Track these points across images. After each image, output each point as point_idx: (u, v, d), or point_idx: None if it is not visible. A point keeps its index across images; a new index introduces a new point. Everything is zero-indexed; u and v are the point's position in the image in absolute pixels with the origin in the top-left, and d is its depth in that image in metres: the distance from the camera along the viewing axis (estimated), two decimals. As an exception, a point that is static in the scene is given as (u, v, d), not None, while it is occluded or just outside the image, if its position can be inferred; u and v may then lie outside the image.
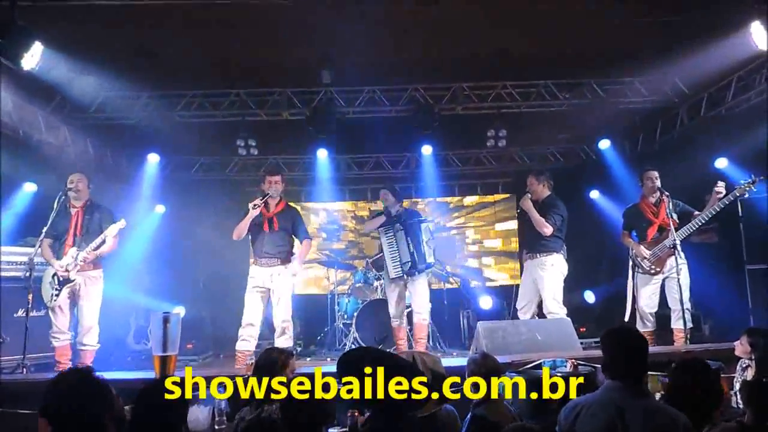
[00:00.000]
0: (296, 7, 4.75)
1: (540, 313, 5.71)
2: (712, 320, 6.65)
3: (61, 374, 2.31)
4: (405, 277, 5.83)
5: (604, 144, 8.39)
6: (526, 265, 5.88)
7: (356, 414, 3.06)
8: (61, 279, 5.02)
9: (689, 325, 5.21)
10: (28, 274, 5.00)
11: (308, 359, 7.10)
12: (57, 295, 5.01)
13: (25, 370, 4.78)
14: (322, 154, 8.74)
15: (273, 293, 5.33)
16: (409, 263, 5.76)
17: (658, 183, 5.50)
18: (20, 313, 5.36)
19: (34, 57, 4.62)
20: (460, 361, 4.72)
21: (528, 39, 6.14)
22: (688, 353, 4.47)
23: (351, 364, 2.53)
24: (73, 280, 5.04)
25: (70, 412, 2.10)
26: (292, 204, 5.80)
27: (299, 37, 6.11)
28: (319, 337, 7.89)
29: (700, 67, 6.09)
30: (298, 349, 7.19)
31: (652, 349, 5.22)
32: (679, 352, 4.72)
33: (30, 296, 4.88)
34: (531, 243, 5.78)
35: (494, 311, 8.19)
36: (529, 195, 5.71)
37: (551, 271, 5.58)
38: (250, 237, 5.47)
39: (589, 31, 5.82)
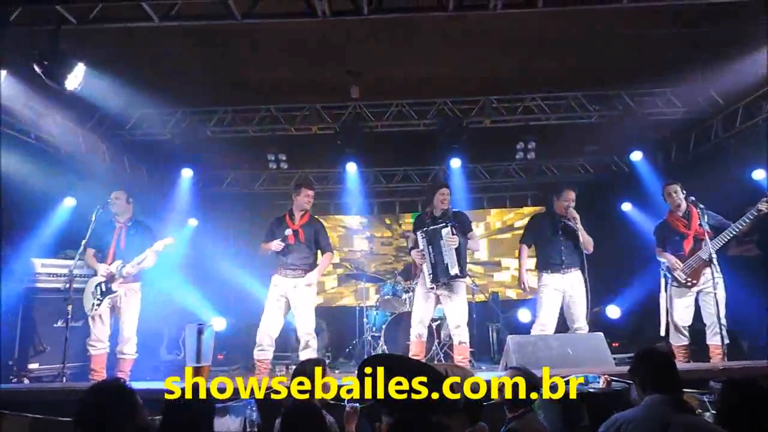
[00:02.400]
0: (325, 24, 4.83)
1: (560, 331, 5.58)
2: (750, 337, 6.46)
3: (92, 387, 2.46)
4: (434, 288, 5.35)
5: (636, 156, 8.27)
6: (550, 281, 5.51)
7: (378, 426, 3.07)
8: (104, 290, 5.22)
9: (726, 341, 5.08)
10: (67, 285, 5.16)
11: (337, 371, 7.12)
12: (98, 305, 5.20)
13: (64, 378, 4.92)
14: (351, 168, 8.83)
15: (293, 304, 5.37)
16: (431, 275, 5.30)
17: (681, 196, 5.37)
18: (60, 323, 5.54)
19: (77, 78, 4.81)
20: (488, 375, 4.70)
21: (557, 51, 6.12)
22: (726, 370, 4.35)
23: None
24: (115, 292, 5.24)
25: (95, 422, 2.28)
26: (316, 217, 5.81)
27: (328, 54, 6.22)
28: (347, 350, 7.93)
29: (735, 77, 5.99)
30: (326, 361, 7.21)
31: (687, 365, 5.17)
32: (717, 369, 4.58)
33: (70, 307, 5.04)
34: (567, 258, 5.51)
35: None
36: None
37: (583, 287, 5.48)
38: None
39: (620, 43, 5.77)
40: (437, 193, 5.46)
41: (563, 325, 5.59)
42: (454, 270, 5.18)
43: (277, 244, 5.33)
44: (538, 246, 5.73)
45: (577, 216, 5.51)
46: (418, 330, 5.47)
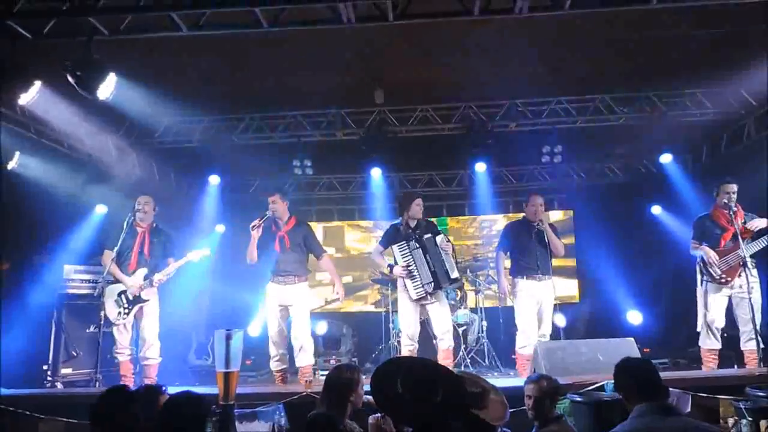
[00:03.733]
0: (349, 29, 4.85)
1: None
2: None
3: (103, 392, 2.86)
4: (427, 297, 5.32)
5: (666, 158, 8.12)
6: (526, 287, 5.52)
7: None
8: (131, 297, 5.21)
9: (761, 346, 4.94)
10: (100, 291, 5.21)
11: (363, 377, 7.11)
12: (127, 314, 5.19)
13: (97, 383, 5.01)
14: (376, 173, 8.83)
15: (291, 310, 5.35)
16: (432, 283, 5.26)
17: (735, 197, 5.21)
18: (92, 328, 5.65)
19: (108, 87, 4.91)
20: (515, 381, 4.66)
21: (584, 54, 6.06)
22: (763, 377, 4.23)
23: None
24: (147, 300, 5.25)
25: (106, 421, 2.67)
26: (303, 221, 5.70)
27: (353, 59, 6.25)
28: (373, 355, 7.92)
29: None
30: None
31: (722, 371, 5.05)
32: (753, 375, 4.48)
33: (102, 313, 5.11)
34: (542, 264, 5.50)
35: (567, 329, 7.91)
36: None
37: (553, 294, 5.56)
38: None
39: (649, 45, 5.69)
40: (413, 203, 5.47)
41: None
42: (455, 274, 5.27)
43: (252, 231, 5.24)
44: (513, 252, 5.76)
45: (544, 219, 5.54)
46: (409, 347, 5.41)
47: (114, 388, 2.97)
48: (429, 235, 5.34)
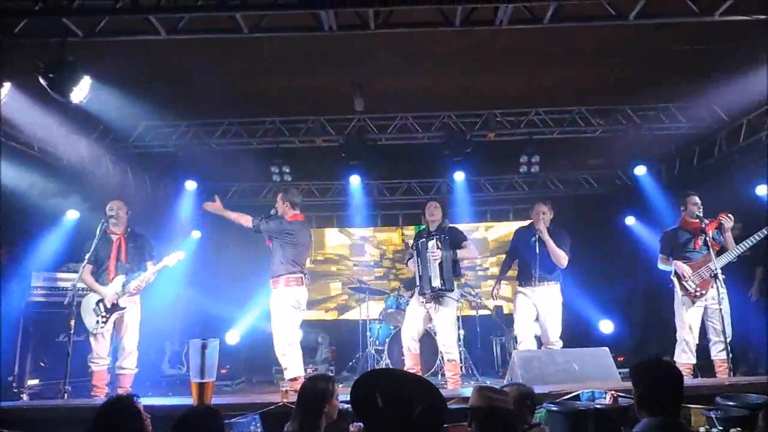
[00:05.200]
0: (330, 37, 4.83)
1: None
2: (754, 352, 6.41)
3: (104, 404, 2.66)
4: (425, 302, 5.40)
5: (640, 170, 8.26)
6: (521, 293, 5.61)
7: None
8: (108, 306, 5.11)
9: (731, 356, 5.04)
10: (70, 299, 5.08)
11: (340, 386, 7.03)
12: (105, 322, 5.08)
13: (65, 395, 4.84)
14: (355, 180, 8.81)
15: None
16: (419, 287, 5.45)
17: (700, 211, 5.34)
18: (61, 338, 5.49)
19: (82, 90, 4.78)
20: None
21: (562, 66, 6.14)
22: (733, 386, 4.30)
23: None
24: (124, 308, 5.14)
25: None
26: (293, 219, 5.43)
27: (333, 66, 6.23)
28: (350, 363, 7.87)
29: (739, 93, 6.00)
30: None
31: (693, 381, 5.13)
32: (723, 384, 4.55)
33: (72, 322, 4.94)
34: (537, 272, 5.50)
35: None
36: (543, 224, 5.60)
37: (558, 301, 5.58)
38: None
39: (625, 59, 5.79)
40: (425, 208, 5.68)
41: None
42: (436, 282, 5.28)
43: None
44: (518, 259, 5.87)
45: (543, 228, 5.55)
46: (407, 343, 5.50)
47: (117, 399, 2.84)
48: (424, 239, 5.45)
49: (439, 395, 2.36)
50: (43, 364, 5.54)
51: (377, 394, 2.29)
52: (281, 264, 5.09)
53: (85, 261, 5.07)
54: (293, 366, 4.95)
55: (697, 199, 5.40)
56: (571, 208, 9.23)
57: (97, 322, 5.08)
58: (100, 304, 5.12)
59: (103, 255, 5.20)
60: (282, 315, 5.02)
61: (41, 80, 4.65)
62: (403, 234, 10.10)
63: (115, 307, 5.12)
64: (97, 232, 5.10)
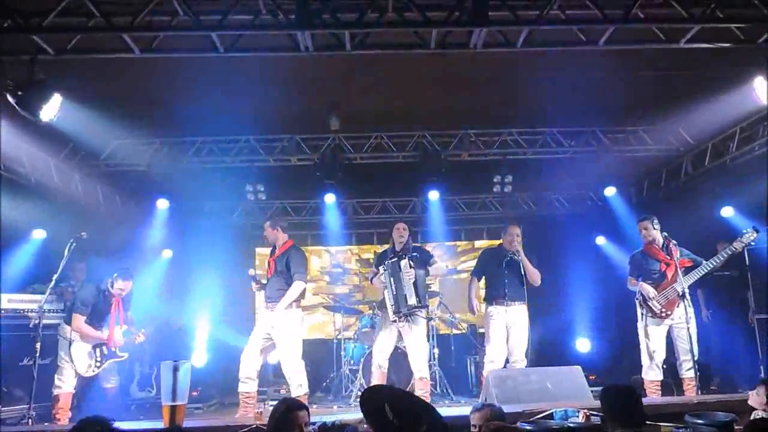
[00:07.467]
0: (306, 57, 4.85)
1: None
2: (721, 370, 6.54)
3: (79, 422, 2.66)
4: (397, 321, 5.44)
5: (610, 191, 8.46)
6: (496, 313, 5.62)
7: None
8: (105, 352, 5.34)
9: (698, 374, 5.13)
10: (37, 321, 4.92)
11: (314, 406, 6.96)
12: (98, 367, 5.32)
13: (30, 420, 4.68)
14: (330, 199, 8.80)
15: (273, 335, 5.21)
16: (394, 306, 5.41)
17: (653, 230, 5.47)
18: (26, 361, 5.32)
19: (52, 108, 4.69)
20: (463, 410, 4.64)
21: (535, 88, 6.25)
22: (701, 404, 4.38)
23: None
24: (122, 357, 5.51)
25: None
26: (295, 246, 5.52)
27: (308, 86, 6.24)
28: (324, 384, 7.77)
29: (705, 118, 6.21)
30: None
31: (663, 399, 5.20)
32: (692, 402, 4.62)
33: (38, 345, 4.80)
34: (510, 291, 5.58)
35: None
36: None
37: (526, 320, 5.65)
38: None
39: (595, 83, 5.93)
40: (394, 228, 5.72)
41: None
42: (412, 300, 5.33)
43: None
44: (486, 279, 5.95)
45: (520, 249, 5.66)
46: (378, 361, 5.56)
47: (94, 420, 2.71)
48: (396, 259, 5.46)
49: (439, 414, 2.51)
50: (5, 390, 5.33)
51: (386, 407, 2.44)
52: (284, 290, 5.22)
53: (53, 282, 5.02)
54: (305, 381, 5.21)
55: (647, 224, 5.52)
56: (544, 228, 9.38)
57: (89, 365, 5.24)
58: (97, 349, 5.30)
59: (102, 313, 5.40)
60: (296, 335, 5.26)
61: (10, 98, 4.54)
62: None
63: (112, 353, 5.40)
64: (65, 253, 5.01)
